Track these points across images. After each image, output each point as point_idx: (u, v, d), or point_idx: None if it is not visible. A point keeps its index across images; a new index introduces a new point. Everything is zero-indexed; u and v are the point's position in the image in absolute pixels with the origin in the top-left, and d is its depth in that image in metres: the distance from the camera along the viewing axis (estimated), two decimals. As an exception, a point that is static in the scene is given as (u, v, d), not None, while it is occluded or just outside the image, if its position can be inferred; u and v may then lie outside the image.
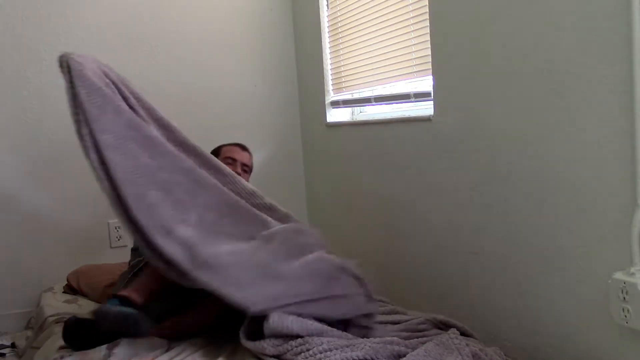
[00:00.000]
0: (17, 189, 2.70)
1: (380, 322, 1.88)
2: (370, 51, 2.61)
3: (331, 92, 3.00)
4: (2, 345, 2.45)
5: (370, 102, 2.68)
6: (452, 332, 1.65)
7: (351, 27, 2.75)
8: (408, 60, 2.35)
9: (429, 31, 2.16)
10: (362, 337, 1.62)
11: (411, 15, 2.30)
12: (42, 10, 2.72)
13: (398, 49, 2.41)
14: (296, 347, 1.52)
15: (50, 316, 2.19)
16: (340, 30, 2.86)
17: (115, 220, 2.74)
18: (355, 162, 2.74)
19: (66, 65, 1.61)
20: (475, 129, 1.97)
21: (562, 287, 1.71)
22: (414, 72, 2.33)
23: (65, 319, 1.94)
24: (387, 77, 2.52)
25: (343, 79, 2.89)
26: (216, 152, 2.38)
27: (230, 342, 1.68)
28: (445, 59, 2.09)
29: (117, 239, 2.84)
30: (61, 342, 1.83)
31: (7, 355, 2.37)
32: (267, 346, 1.54)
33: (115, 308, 1.63)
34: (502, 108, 1.86)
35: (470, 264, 2.06)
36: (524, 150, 1.79)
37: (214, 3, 3.07)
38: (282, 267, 1.56)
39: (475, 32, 1.93)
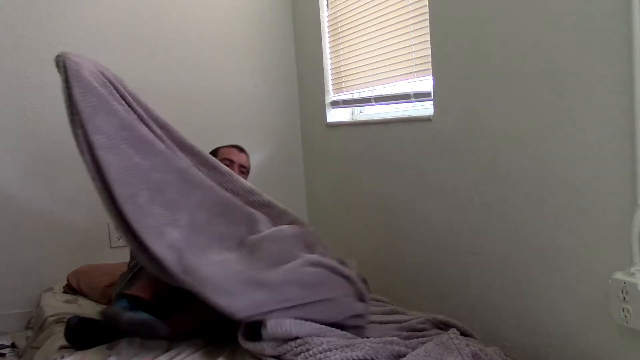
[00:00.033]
0: (17, 189, 2.70)
1: (381, 322, 1.88)
2: (370, 51, 2.61)
3: (331, 92, 3.00)
4: (2, 345, 2.45)
5: (370, 102, 2.68)
6: (452, 332, 1.65)
7: (351, 27, 2.75)
8: (408, 60, 2.35)
9: (429, 31, 2.16)
10: (359, 337, 1.63)
11: (411, 15, 2.30)
12: (42, 10, 2.73)
13: (398, 49, 2.41)
14: (296, 347, 1.51)
15: (50, 316, 2.19)
16: (340, 30, 2.86)
17: (115, 221, 2.74)
18: (355, 162, 2.74)
19: (62, 65, 1.62)
20: (475, 129, 1.97)
21: (562, 287, 1.71)
22: (414, 72, 2.33)
23: (66, 319, 1.95)
24: (387, 77, 2.52)
25: (343, 79, 2.89)
26: (214, 153, 2.38)
27: (230, 343, 1.68)
28: (445, 59, 2.09)
29: (117, 239, 2.84)
30: (61, 342, 1.84)
31: (7, 355, 2.37)
32: (267, 347, 1.54)
33: (133, 315, 1.64)
34: (502, 108, 1.85)
35: (470, 264, 2.06)
36: (524, 150, 1.79)
37: (214, 3, 3.07)
38: (266, 275, 1.56)
39: (475, 32, 1.93)
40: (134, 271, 1.96)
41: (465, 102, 2.01)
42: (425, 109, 2.28)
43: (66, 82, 1.60)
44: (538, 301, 1.79)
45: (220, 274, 1.55)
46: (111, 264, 2.62)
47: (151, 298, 1.74)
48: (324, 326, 1.60)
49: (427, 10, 2.16)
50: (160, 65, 2.95)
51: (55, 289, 2.56)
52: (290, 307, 1.55)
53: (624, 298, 1.45)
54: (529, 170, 1.78)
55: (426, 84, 2.25)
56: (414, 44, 2.30)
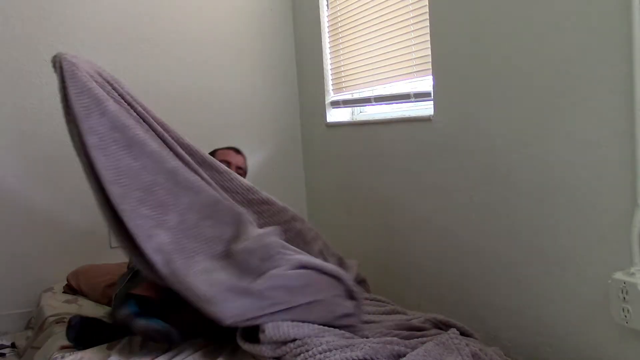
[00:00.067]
0: (17, 189, 2.70)
1: (381, 322, 1.88)
2: (370, 51, 2.61)
3: (331, 92, 3.00)
4: (2, 345, 2.45)
5: (370, 102, 2.68)
6: (452, 332, 1.65)
7: (351, 27, 2.75)
8: (408, 60, 2.35)
9: (429, 31, 2.16)
10: (358, 336, 1.63)
11: (411, 15, 2.30)
12: (42, 10, 2.72)
13: (398, 49, 2.41)
14: (295, 348, 1.51)
15: (50, 316, 2.19)
16: (340, 30, 2.86)
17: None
18: (355, 162, 2.74)
19: (59, 65, 1.63)
20: (476, 128, 1.97)
21: (562, 287, 1.70)
22: (414, 72, 2.33)
23: (66, 319, 1.95)
24: (387, 77, 2.52)
25: (343, 79, 2.89)
26: (211, 155, 2.39)
27: (229, 343, 1.68)
28: (445, 59, 2.09)
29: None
30: (61, 342, 1.84)
31: (7, 355, 2.37)
32: (266, 349, 1.54)
33: (148, 323, 1.67)
34: (502, 108, 1.85)
35: (470, 264, 2.06)
36: (524, 150, 1.79)
37: (214, 3, 3.07)
38: (251, 283, 1.57)
39: (475, 32, 1.93)
40: (134, 271, 1.96)
41: (465, 102, 2.01)
42: (425, 109, 2.28)
43: (62, 82, 1.61)
44: (538, 301, 1.79)
45: (205, 282, 1.57)
46: (111, 264, 2.61)
47: (157, 297, 1.75)
48: (321, 326, 1.60)
49: (427, 10, 2.16)
50: (160, 65, 2.95)
51: (55, 289, 2.56)
52: (277, 312, 1.56)
53: (624, 298, 1.45)
54: (528, 170, 1.78)
55: (426, 84, 2.25)
56: (414, 44, 2.30)
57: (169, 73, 2.96)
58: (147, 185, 1.64)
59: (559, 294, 1.71)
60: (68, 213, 2.77)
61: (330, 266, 1.71)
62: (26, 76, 2.70)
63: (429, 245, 2.27)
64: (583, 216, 1.61)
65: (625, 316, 1.45)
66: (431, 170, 2.22)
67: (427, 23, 2.16)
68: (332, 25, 2.93)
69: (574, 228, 1.64)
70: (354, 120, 2.90)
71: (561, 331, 1.72)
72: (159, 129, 1.80)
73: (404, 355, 1.48)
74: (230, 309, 1.52)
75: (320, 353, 1.47)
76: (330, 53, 2.98)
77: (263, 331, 1.54)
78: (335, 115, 2.99)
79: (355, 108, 2.90)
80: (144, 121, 1.76)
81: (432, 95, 2.18)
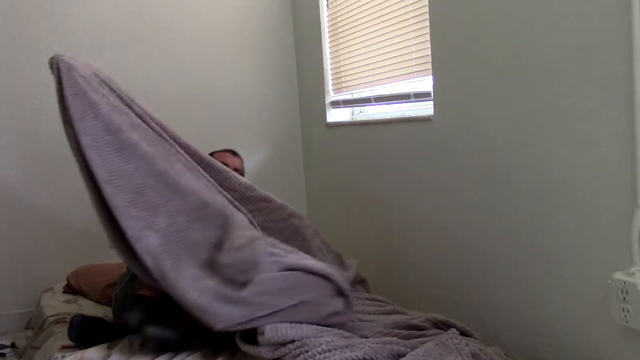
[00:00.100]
0: (17, 189, 2.70)
1: (379, 322, 1.88)
2: (370, 51, 2.61)
3: (331, 92, 3.00)
4: (2, 345, 2.45)
5: (370, 102, 2.68)
6: (452, 332, 1.65)
7: (351, 27, 2.75)
8: (408, 60, 2.35)
9: (429, 31, 2.16)
10: (356, 335, 1.63)
11: (411, 15, 2.30)
12: (42, 10, 2.72)
13: (398, 49, 2.41)
14: (294, 349, 1.51)
15: (51, 316, 2.20)
16: (340, 30, 2.86)
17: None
18: (355, 162, 2.74)
19: (56, 66, 1.65)
20: (475, 128, 1.97)
21: (562, 287, 1.70)
22: (414, 72, 2.33)
23: (66, 319, 1.95)
24: (387, 77, 2.52)
25: (343, 79, 2.89)
26: None
27: (229, 343, 1.68)
28: (445, 59, 2.09)
29: (117, 239, 2.84)
30: (61, 342, 1.84)
31: (7, 355, 2.37)
32: (265, 351, 1.54)
33: (157, 331, 1.68)
34: (502, 108, 1.85)
35: (470, 264, 2.06)
36: (524, 150, 1.79)
37: (214, 3, 3.07)
38: (237, 292, 1.58)
39: (475, 32, 1.93)
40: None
41: (465, 102, 2.01)
42: (425, 109, 2.28)
43: (59, 84, 1.64)
44: (538, 301, 1.79)
45: (195, 288, 1.58)
46: (111, 264, 2.61)
47: (157, 297, 1.75)
48: (320, 327, 1.60)
49: (427, 10, 2.16)
50: (160, 65, 2.95)
51: (55, 289, 2.56)
52: (265, 315, 1.57)
53: (624, 298, 1.45)
54: (528, 170, 1.78)
55: (426, 84, 2.25)
56: (414, 44, 2.30)
57: (169, 73, 2.97)
58: (138, 188, 1.65)
59: (559, 294, 1.71)
60: (68, 213, 2.77)
61: (318, 265, 1.70)
62: (26, 76, 2.70)
63: (429, 245, 2.27)
64: (583, 216, 1.61)
65: (625, 316, 1.45)
66: (431, 170, 2.22)
67: (427, 23, 2.16)
68: (332, 25, 2.93)
69: (574, 228, 1.64)
70: (354, 120, 2.90)
71: (561, 331, 1.72)
72: (157, 128, 1.81)
73: (404, 355, 1.48)
74: (219, 315, 1.54)
75: (320, 354, 1.47)
76: (330, 53, 2.98)
77: (262, 333, 1.55)
78: (335, 115, 2.99)
79: (355, 108, 2.90)
80: (142, 121, 1.77)
81: (432, 95, 2.18)
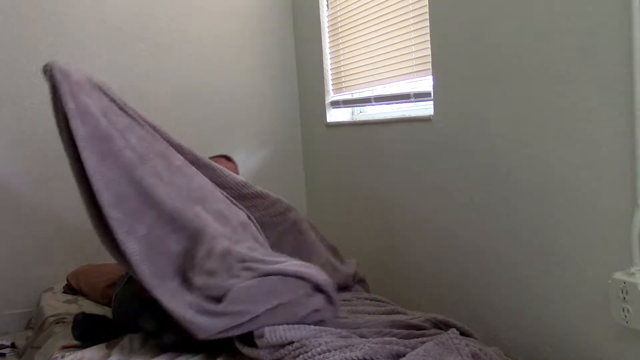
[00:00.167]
0: (17, 189, 2.70)
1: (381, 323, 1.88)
2: (370, 51, 2.61)
3: (331, 92, 3.00)
4: (2, 345, 2.45)
5: (370, 102, 2.68)
6: (452, 332, 1.65)
7: (351, 27, 2.75)
8: (408, 60, 2.35)
9: (429, 31, 2.16)
10: (355, 333, 1.63)
11: (411, 15, 2.30)
12: (42, 10, 2.72)
13: (398, 49, 2.41)
14: (293, 351, 1.51)
15: (51, 316, 2.20)
16: (340, 30, 2.86)
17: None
18: (355, 162, 2.74)
19: (50, 73, 1.69)
20: (475, 129, 1.97)
21: (562, 287, 1.70)
22: (414, 72, 2.33)
23: (67, 319, 1.95)
24: (387, 77, 2.52)
25: (343, 79, 2.89)
26: None
27: (229, 344, 1.68)
28: (445, 59, 2.09)
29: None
30: (61, 342, 1.84)
31: (7, 355, 2.37)
32: (264, 353, 1.54)
33: (175, 339, 1.70)
34: (502, 108, 1.85)
35: (470, 264, 2.06)
36: (524, 150, 1.79)
37: (214, 3, 3.07)
38: (213, 305, 1.60)
39: (475, 32, 1.93)
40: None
41: (465, 102, 2.01)
42: (425, 109, 2.28)
43: (52, 88, 1.70)
44: (538, 301, 1.79)
45: (173, 300, 1.60)
46: (111, 264, 2.59)
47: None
48: (318, 327, 1.60)
49: (427, 10, 2.16)
50: (161, 65, 2.95)
51: (55, 289, 2.56)
52: (246, 322, 1.58)
53: (624, 298, 1.45)
54: (528, 170, 1.78)
55: (426, 84, 2.25)
56: (414, 44, 2.30)
57: (169, 72, 2.97)
58: (120, 194, 1.67)
59: (559, 294, 1.71)
60: (68, 213, 2.76)
61: (291, 268, 1.70)
62: (26, 76, 2.69)
63: (429, 245, 2.27)
64: (583, 216, 1.61)
65: (625, 316, 1.45)
66: (431, 170, 2.22)
67: (427, 23, 2.16)
68: (332, 25, 2.93)
69: (574, 228, 1.64)
70: (354, 120, 2.90)
71: (561, 331, 1.72)
72: (151, 131, 1.83)
73: (404, 355, 1.48)
74: (200, 325, 1.56)
75: (319, 354, 1.47)
76: (330, 53, 2.98)
77: (261, 336, 1.55)
78: (335, 115, 2.99)
79: (355, 108, 2.90)
80: (136, 124, 1.79)
81: (432, 95, 2.18)
